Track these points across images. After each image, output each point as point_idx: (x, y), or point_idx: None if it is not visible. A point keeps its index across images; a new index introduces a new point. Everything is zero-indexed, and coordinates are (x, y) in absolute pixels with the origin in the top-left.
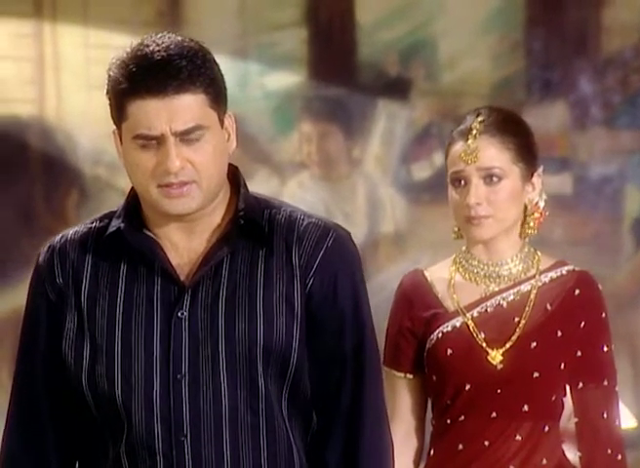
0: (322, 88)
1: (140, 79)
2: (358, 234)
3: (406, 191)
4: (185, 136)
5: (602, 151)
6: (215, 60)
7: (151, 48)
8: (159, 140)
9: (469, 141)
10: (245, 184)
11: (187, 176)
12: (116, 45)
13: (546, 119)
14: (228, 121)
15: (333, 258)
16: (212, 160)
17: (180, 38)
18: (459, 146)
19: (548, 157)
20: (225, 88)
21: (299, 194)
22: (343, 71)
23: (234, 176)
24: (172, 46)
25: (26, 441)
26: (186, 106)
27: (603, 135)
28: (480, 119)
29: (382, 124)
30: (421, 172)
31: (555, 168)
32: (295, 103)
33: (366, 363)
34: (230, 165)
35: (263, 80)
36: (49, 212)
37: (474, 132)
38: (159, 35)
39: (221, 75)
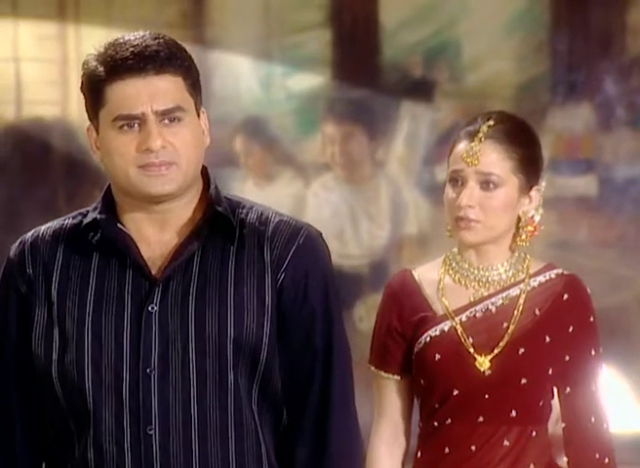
0: (346, 89)
1: (120, 62)
2: (381, 235)
3: (429, 193)
4: (166, 117)
5: (627, 153)
6: (190, 56)
7: (127, 38)
8: (140, 121)
9: (474, 143)
10: (215, 183)
11: (168, 157)
12: None
13: (571, 121)
14: (203, 117)
15: (304, 256)
16: (191, 144)
17: (155, 33)
18: (462, 146)
19: (573, 159)
20: (200, 84)
21: (322, 195)
22: (367, 73)
23: (205, 176)
24: (146, 36)
25: None
26: (167, 86)
27: (628, 136)
28: (490, 123)
29: (406, 125)
30: (445, 173)
31: (580, 169)
32: (318, 105)
33: (335, 359)
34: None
35: (287, 81)
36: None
37: (480, 135)
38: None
39: (197, 70)
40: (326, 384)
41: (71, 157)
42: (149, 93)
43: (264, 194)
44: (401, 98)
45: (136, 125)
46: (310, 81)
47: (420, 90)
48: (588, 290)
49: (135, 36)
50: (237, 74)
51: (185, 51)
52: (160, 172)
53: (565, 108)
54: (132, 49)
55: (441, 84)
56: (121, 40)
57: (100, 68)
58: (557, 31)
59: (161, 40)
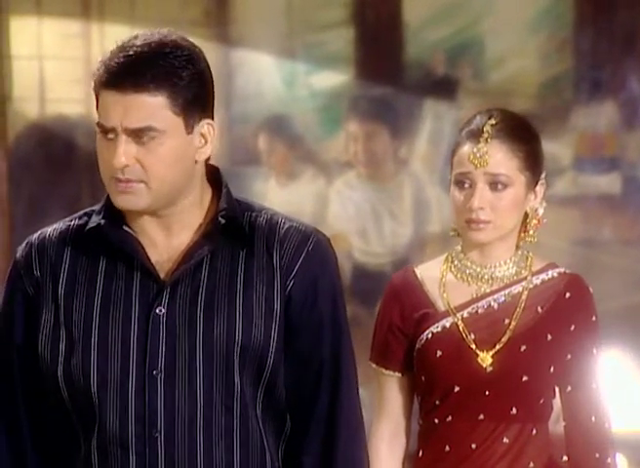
0: (369, 87)
1: (108, 71)
2: (404, 233)
3: None
4: (136, 136)
5: None
6: (204, 68)
7: (133, 42)
8: (114, 134)
9: (480, 145)
10: (227, 185)
11: (134, 175)
12: None
13: (595, 119)
14: (208, 128)
15: (313, 263)
16: (165, 163)
17: (173, 38)
18: (468, 148)
19: (597, 157)
20: (208, 95)
21: (345, 194)
22: (390, 71)
23: (215, 177)
24: (153, 44)
25: (2, 433)
26: (141, 106)
27: None
28: (492, 122)
29: (429, 123)
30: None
31: (604, 168)
32: (341, 103)
33: (343, 366)
34: (212, 166)
35: (310, 79)
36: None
37: (485, 135)
38: (157, 30)
39: (205, 82)
40: (333, 393)
41: (95, 155)
42: (123, 109)
43: (287, 192)
44: (424, 96)
45: (111, 135)
46: (333, 79)
47: (444, 88)
48: (591, 289)
49: (142, 42)
50: (260, 72)
51: (193, 65)
52: (125, 188)
53: (589, 106)
54: (123, 61)
55: (464, 82)
56: (128, 43)
57: (98, 72)
58: (581, 29)
59: (165, 52)
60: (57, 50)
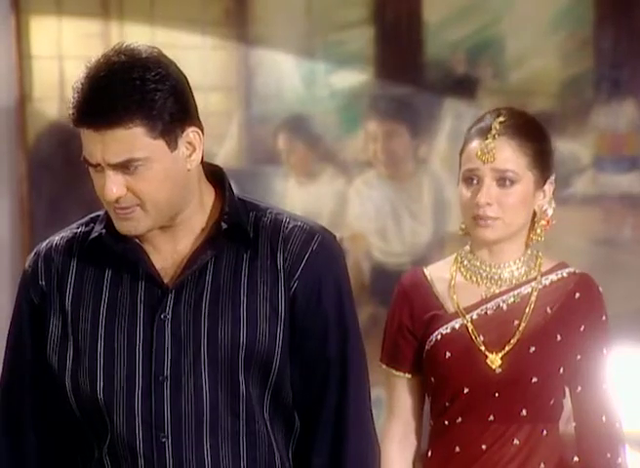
0: (388, 87)
1: (79, 111)
2: (424, 233)
3: None
4: (121, 167)
5: None
6: (176, 79)
7: (97, 73)
8: (101, 167)
9: (488, 141)
10: (230, 186)
11: (128, 202)
12: (183, 44)
13: (615, 118)
14: (194, 135)
15: (317, 262)
16: (155, 186)
17: (139, 56)
18: (476, 144)
19: (617, 156)
20: (187, 105)
21: (364, 193)
22: (410, 70)
23: (219, 179)
24: (119, 72)
25: (10, 443)
26: (118, 141)
27: None
28: (501, 119)
29: (449, 123)
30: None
31: (624, 167)
32: (361, 102)
33: (350, 366)
34: (215, 166)
35: (330, 79)
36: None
37: (493, 132)
38: (123, 48)
39: (181, 95)
40: (341, 393)
41: None
42: (101, 146)
43: (307, 191)
44: (444, 96)
45: (99, 168)
46: (353, 78)
47: (464, 87)
48: (600, 288)
49: (104, 72)
50: (280, 72)
51: (161, 83)
52: (125, 215)
53: (609, 105)
54: (92, 97)
55: (484, 81)
56: (91, 74)
57: (71, 109)
58: (601, 28)
59: (130, 80)
60: (77, 50)
